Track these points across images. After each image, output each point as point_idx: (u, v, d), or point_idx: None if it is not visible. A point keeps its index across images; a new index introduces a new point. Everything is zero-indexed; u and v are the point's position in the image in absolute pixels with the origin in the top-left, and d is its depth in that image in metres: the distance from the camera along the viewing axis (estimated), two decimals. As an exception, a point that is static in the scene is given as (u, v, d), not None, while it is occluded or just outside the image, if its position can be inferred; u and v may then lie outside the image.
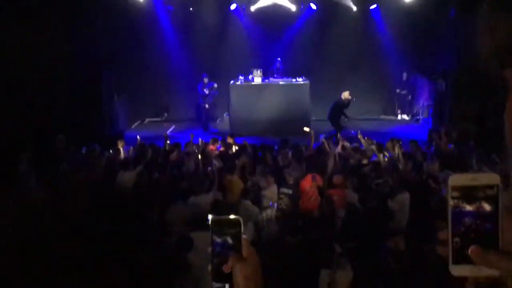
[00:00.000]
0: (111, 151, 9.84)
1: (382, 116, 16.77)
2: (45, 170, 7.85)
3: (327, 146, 9.48)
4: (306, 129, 10.82)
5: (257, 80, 14.21)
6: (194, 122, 15.51)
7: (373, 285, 5.03)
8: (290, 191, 7.22)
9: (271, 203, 6.86)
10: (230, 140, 10.51)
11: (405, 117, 16.55)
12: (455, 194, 0.83)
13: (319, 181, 7.25)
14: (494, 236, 0.81)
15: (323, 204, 6.81)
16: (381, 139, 10.47)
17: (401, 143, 9.27)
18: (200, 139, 10.22)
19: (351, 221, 6.31)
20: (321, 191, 7.12)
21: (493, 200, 0.81)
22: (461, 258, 0.82)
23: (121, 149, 9.91)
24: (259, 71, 14.23)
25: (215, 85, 14.57)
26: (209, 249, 1.13)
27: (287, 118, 13.63)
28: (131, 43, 14.77)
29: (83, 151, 9.60)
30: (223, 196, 7.13)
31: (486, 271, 0.80)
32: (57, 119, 10.79)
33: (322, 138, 10.11)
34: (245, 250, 1.12)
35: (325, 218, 6.53)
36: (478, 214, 0.82)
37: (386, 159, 8.75)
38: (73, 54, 11.53)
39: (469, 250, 0.81)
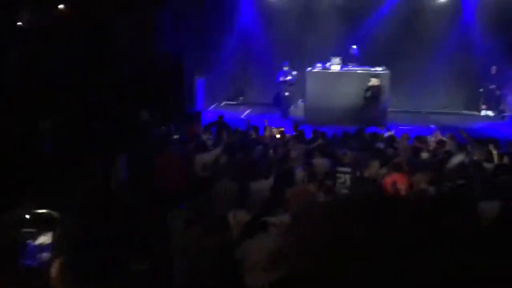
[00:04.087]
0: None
1: (464, 111, 16.03)
2: (130, 146, 8.34)
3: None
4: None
5: (335, 67, 14.08)
6: (269, 107, 15.69)
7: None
8: (349, 170, 7.28)
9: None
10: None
11: (489, 113, 15.68)
12: None
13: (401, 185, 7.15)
14: None
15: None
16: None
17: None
18: (266, 125, 10.33)
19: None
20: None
21: None
22: None
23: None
24: (338, 59, 14.08)
25: (294, 73, 14.62)
26: None
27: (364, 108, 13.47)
28: (214, 26, 15.19)
29: (162, 129, 10.06)
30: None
31: None
32: (140, 96, 11.39)
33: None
34: None
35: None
36: None
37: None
38: (157, 33, 12.10)
39: None
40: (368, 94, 13.21)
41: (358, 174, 7.35)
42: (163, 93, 11.94)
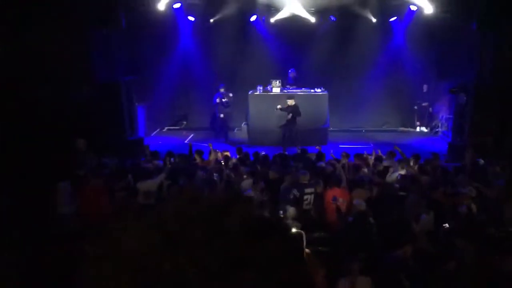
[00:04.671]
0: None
1: (401, 128, 16.70)
2: (67, 174, 7.99)
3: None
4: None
5: (276, 90, 14.29)
6: (212, 131, 15.64)
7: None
8: (313, 190, 7.43)
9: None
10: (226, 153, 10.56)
11: (423, 129, 16.46)
12: None
13: (341, 203, 7.39)
14: None
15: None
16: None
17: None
18: (211, 149, 10.29)
19: (360, 230, 6.34)
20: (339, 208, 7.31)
21: None
22: None
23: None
24: (277, 82, 14.31)
25: (230, 95, 14.70)
26: None
27: (305, 128, 13.68)
28: (152, 52, 15.03)
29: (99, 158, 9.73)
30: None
31: None
32: (78, 124, 10.99)
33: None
34: None
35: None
36: None
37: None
38: (94, 61, 11.80)
39: None
40: (279, 112, 13.33)
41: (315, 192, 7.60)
42: (101, 122, 11.58)
